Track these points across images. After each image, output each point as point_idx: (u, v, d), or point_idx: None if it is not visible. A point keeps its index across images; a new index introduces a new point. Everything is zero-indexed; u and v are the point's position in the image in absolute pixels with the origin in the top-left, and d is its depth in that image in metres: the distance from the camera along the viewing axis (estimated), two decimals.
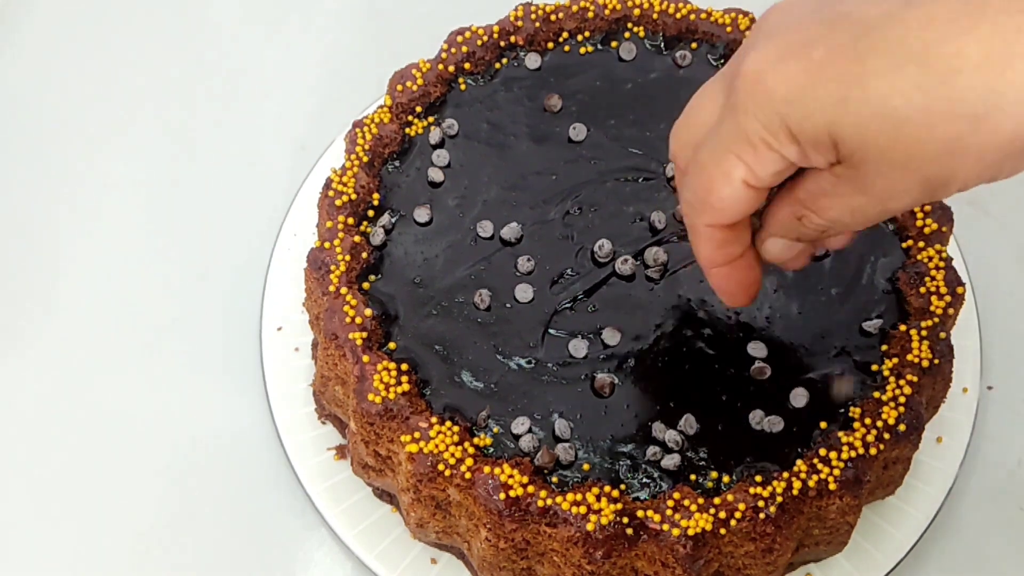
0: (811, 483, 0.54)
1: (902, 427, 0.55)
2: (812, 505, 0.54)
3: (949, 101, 0.38)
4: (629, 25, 0.68)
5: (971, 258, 0.70)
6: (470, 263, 0.61)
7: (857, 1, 0.40)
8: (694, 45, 0.68)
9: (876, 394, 0.57)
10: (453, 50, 0.67)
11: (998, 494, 0.66)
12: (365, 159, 0.63)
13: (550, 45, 0.68)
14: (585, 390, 0.58)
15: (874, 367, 0.58)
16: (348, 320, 0.57)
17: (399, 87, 0.65)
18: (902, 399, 0.56)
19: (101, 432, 0.68)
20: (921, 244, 0.61)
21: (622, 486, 0.55)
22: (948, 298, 0.59)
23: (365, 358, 0.56)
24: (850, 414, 0.56)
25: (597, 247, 0.61)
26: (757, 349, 0.58)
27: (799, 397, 0.57)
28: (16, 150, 0.79)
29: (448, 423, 0.55)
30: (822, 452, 0.54)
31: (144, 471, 0.67)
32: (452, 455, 0.54)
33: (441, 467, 0.54)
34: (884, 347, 0.58)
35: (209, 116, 0.80)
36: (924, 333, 0.58)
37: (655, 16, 0.68)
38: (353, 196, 0.62)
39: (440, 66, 0.66)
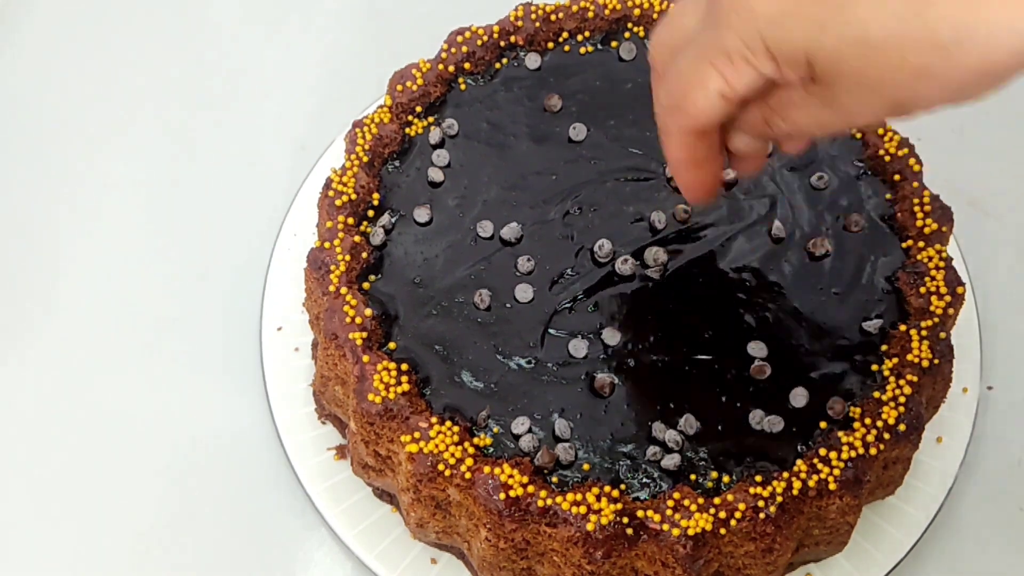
0: (811, 483, 0.54)
1: (902, 427, 0.55)
2: (812, 505, 0.54)
3: (923, 32, 0.40)
4: (629, 25, 0.69)
5: (971, 258, 0.70)
6: (470, 263, 0.61)
7: None
8: None
9: (876, 394, 0.57)
10: (453, 50, 0.67)
11: (998, 494, 0.66)
12: (365, 159, 0.63)
13: (550, 45, 0.68)
14: (585, 390, 0.58)
15: (874, 367, 0.58)
16: (348, 320, 0.57)
17: (399, 87, 0.65)
18: (902, 399, 0.56)
19: (101, 432, 0.68)
20: (921, 244, 0.61)
21: (622, 486, 0.55)
22: (948, 298, 0.59)
23: (365, 358, 0.56)
24: (850, 414, 0.56)
25: (597, 247, 0.61)
26: (757, 349, 0.58)
27: (799, 397, 0.57)
28: (16, 150, 0.79)
29: (448, 423, 0.55)
30: (822, 452, 0.54)
31: (144, 471, 0.67)
32: (452, 455, 0.54)
33: (441, 467, 0.54)
34: (884, 347, 0.58)
35: (209, 116, 0.80)
36: (924, 333, 0.58)
37: (655, 16, 0.68)
38: (353, 196, 0.62)
39: (440, 66, 0.66)
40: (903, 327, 0.59)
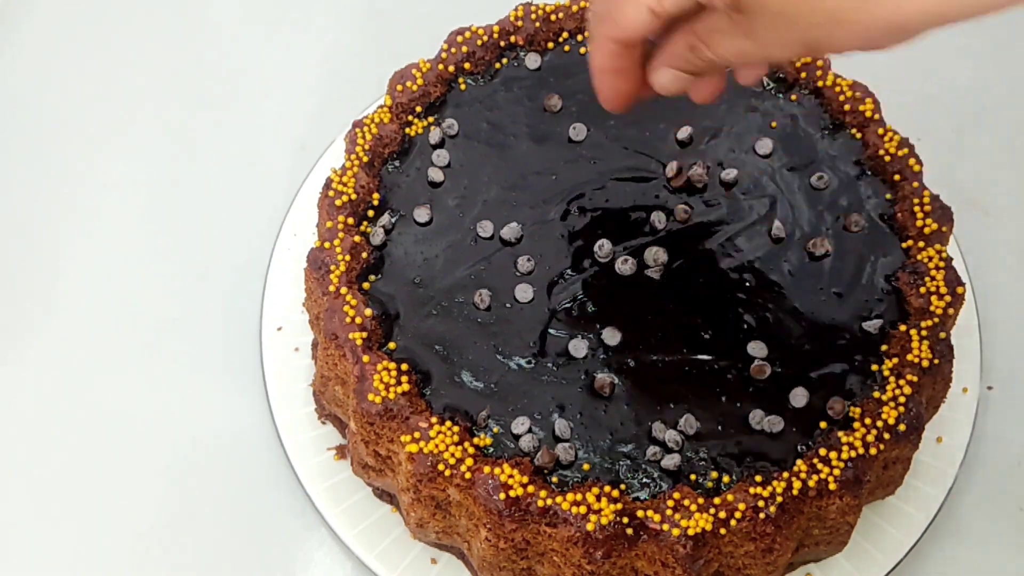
0: (811, 483, 0.54)
1: (902, 427, 0.55)
2: (812, 505, 0.54)
3: None
4: None
5: (971, 258, 0.70)
6: (470, 263, 0.61)
7: None
8: None
9: (876, 394, 0.57)
10: (453, 50, 0.67)
11: (998, 494, 0.66)
12: (365, 159, 0.63)
13: (550, 45, 0.68)
14: (585, 390, 0.58)
15: (874, 367, 0.58)
16: (348, 320, 0.57)
17: (399, 87, 0.65)
18: (902, 399, 0.56)
19: (101, 432, 0.68)
20: (921, 244, 0.61)
21: (622, 486, 0.55)
22: (948, 298, 0.59)
23: (365, 358, 0.56)
24: (850, 414, 0.56)
25: (597, 247, 0.61)
26: (757, 349, 0.58)
27: (799, 397, 0.57)
28: (16, 150, 0.79)
29: (448, 423, 0.55)
30: (822, 452, 0.54)
31: (144, 471, 0.67)
32: (452, 455, 0.54)
33: (441, 467, 0.54)
34: (884, 347, 0.58)
35: (209, 116, 0.80)
36: (924, 333, 0.58)
37: None
38: (353, 196, 0.62)
39: (440, 66, 0.66)
40: (903, 327, 0.59)
